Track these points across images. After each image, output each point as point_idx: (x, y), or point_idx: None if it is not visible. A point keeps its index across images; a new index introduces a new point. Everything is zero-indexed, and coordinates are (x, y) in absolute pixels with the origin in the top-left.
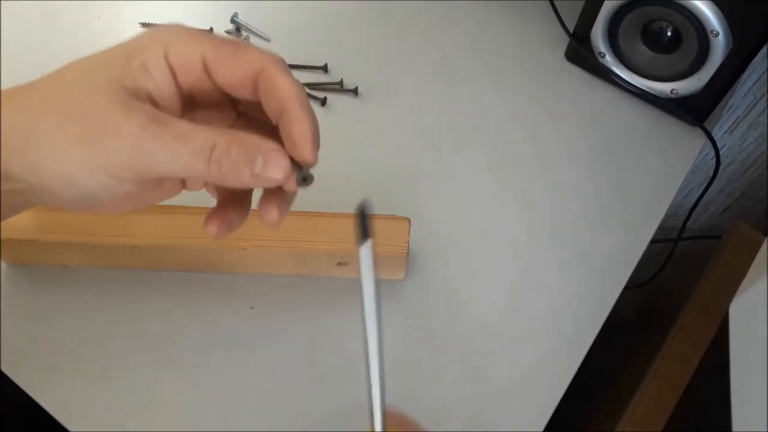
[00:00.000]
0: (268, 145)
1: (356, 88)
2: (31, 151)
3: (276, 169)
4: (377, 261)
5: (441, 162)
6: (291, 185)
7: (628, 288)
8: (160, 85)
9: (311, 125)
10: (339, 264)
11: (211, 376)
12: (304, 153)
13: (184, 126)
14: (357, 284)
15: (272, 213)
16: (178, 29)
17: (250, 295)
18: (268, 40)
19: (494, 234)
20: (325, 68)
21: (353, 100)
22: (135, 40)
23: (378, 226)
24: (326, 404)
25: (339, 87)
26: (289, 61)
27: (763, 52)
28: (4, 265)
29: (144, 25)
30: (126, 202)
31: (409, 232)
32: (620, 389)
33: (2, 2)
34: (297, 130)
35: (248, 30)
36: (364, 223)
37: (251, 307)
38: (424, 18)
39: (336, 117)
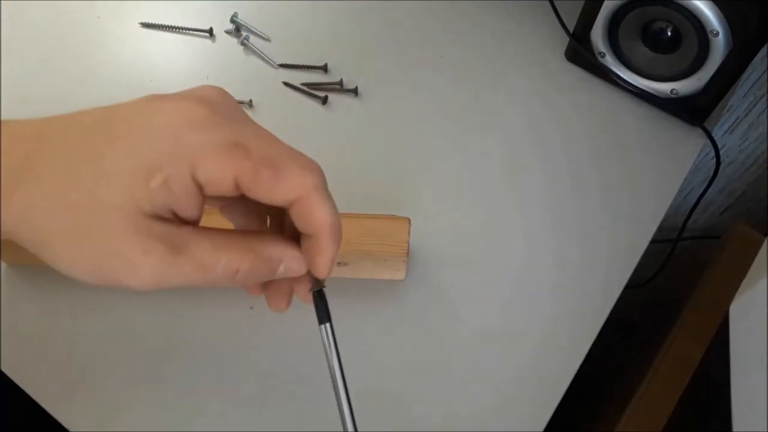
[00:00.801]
0: (290, 253)
1: (356, 87)
2: (40, 251)
3: (294, 272)
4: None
5: (441, 161)
6: (304, 295)
7: (628, 288)
8: (183, 200)
9: (334, 255)
10: (339, 264)
11: (210, 376)
12: (319, 274)
13: (205, 252)
14: (357, 284)
15: (282, 304)
16: (209, 141)
17: (249, 296)
18: (268, 40)
19: (494, 234)
20: (325, 68)
21: (353, 100)
22: (158, 147)
23: (378, 226)
24: (326, 404)
25: (339, 87)
26: (289, 61)
27: (763, 52)
28: (4, 265)
29: (144, 25)
30: None
31: (409, 232)
32: (620, 389)
33: (2, 2)
34: (321, 259)
35: (248, 30)
36: (321, 304)
37: (251, 308)
38: (423, 18)
39: (336, 116)
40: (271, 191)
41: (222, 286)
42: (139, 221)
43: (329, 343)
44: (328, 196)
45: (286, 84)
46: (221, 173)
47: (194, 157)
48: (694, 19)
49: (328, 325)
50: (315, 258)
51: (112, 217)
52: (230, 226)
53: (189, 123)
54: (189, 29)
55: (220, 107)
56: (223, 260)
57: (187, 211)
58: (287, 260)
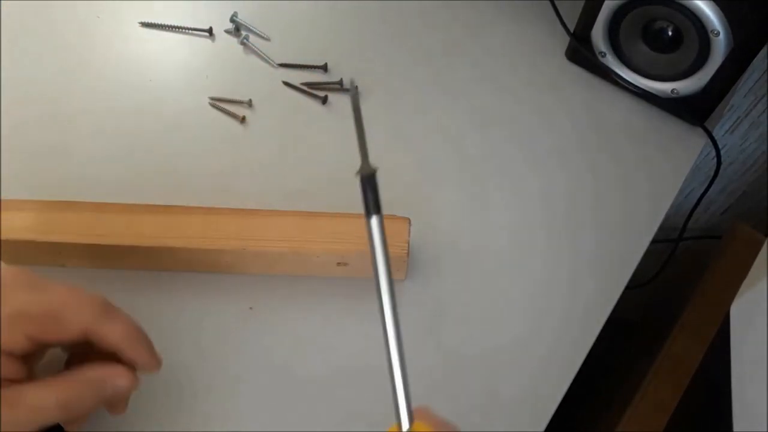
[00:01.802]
0: (110, 371)
1: (356, 87)
2: None
3: (125, 386)
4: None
5: (441, 161)
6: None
7: (629, 288)
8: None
9: (148, 352)
10: (339, 264)
11: (209, 377)
12: (148, 367)
13: (36, 395)
14: (357, 284)
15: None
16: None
17: (249, 296)
18: (267, 39)
19: (494, 234)
20: (324, 68)
21: None
22: None
23: None
24: (326, 405)
25: (339, 86)
26: (289, 61)
27: (763, 52)
28: (3, 266)
29: (143, 24)
30: None
31: (409, 232)
32: (621, 389)
33: (2, 2)
34: (139, 360)
35: (248, 29)
36: (371, 192)
37: (251, 308)
38: (424, 18)
39: (336, 116)
40: (59, 336)
41: (74, 417)
42: None
43: (378, 240)
44: (113, 314)
45: (286, 83)
46: (12, 340)
47: None
48: (694, 18)
49: (376, 217)
50: (136, 361)
51: None
52: None
53: None
54: (189, 29)
55: (9, 285)
56: (52, 398)
57: (11, 372)
58: (110, 377)
